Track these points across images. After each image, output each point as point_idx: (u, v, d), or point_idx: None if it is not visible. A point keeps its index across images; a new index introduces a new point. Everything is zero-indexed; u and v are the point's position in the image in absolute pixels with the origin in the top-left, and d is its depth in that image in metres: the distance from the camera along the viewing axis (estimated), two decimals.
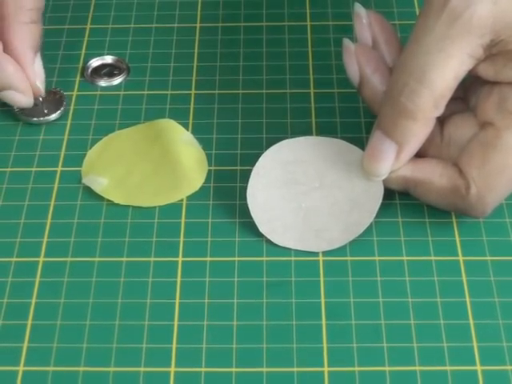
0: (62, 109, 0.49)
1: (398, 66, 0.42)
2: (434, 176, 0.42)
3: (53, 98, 0.50)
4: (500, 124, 0.41)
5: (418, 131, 0.41)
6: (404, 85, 0.41)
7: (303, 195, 0.44)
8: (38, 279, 0.42)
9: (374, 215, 0.43)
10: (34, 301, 0.41)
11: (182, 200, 0.45)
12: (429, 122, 0.41)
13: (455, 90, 0.41)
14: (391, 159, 0.42)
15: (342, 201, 0.44)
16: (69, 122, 0.49)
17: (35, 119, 0.49)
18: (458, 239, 0.44)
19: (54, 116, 0.49)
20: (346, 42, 0.45)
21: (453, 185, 0.42)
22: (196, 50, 0.53)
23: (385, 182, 0.43)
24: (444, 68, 0.40)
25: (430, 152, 0.43)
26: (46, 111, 0.49)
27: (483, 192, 0.41)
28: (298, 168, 0.45)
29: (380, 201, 0.43)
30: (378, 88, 0.44)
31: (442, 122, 0.43)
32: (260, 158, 0.45)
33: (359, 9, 0.45)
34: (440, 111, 0.41)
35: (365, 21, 0.45)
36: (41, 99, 0.49)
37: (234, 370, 0.39)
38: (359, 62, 0.44)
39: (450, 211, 0.44)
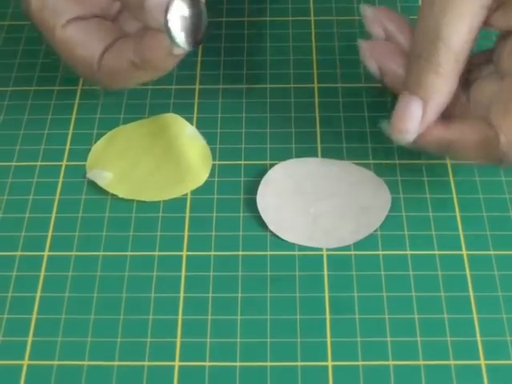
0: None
1: (416, 31, 0.42)
2: (465, 132, 0.42)
3: None
4: None
5: (442, 85, 0.42)
6: (423, 44, 0.42)
7: (313, 202, 0.44)
8: (42, 273, 0.42)
9: (383, 218, 0.44)
10: (38, 295, 0.41)
11: (186, 194, 0.45)
12: (451, 77, 0.42)
13: (487, 54, 0.42)
14: (418, 116, 0.42)
15: (352, 207, 0.44)
16: (73, 116, 0.49)
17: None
18: (461, 233, 0.44)
19: None
20: (360, 42, 0.46)
21: (484, 137, 0.41)
22: (200, 45, 0.53)
23: (420, 145, 0.43)
24: (457, 23, 0.41)
25: (457, 113, 0.44)
26: None
27: None
28: (307, 182, 0.45)
29: (389, 206, 0.44)
30: (397, 72, 0.44)
31: (468, 84, 0.44)
32: (269, 171, 0.46)
33: (364, 10, 0.46)
34: (461, 65, 0.42)
35: (372, 18, 0.46)
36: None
37: (237, 364, 0.39)
38: (374, 57, 0.45)
39: (493, 165, 0.43)
